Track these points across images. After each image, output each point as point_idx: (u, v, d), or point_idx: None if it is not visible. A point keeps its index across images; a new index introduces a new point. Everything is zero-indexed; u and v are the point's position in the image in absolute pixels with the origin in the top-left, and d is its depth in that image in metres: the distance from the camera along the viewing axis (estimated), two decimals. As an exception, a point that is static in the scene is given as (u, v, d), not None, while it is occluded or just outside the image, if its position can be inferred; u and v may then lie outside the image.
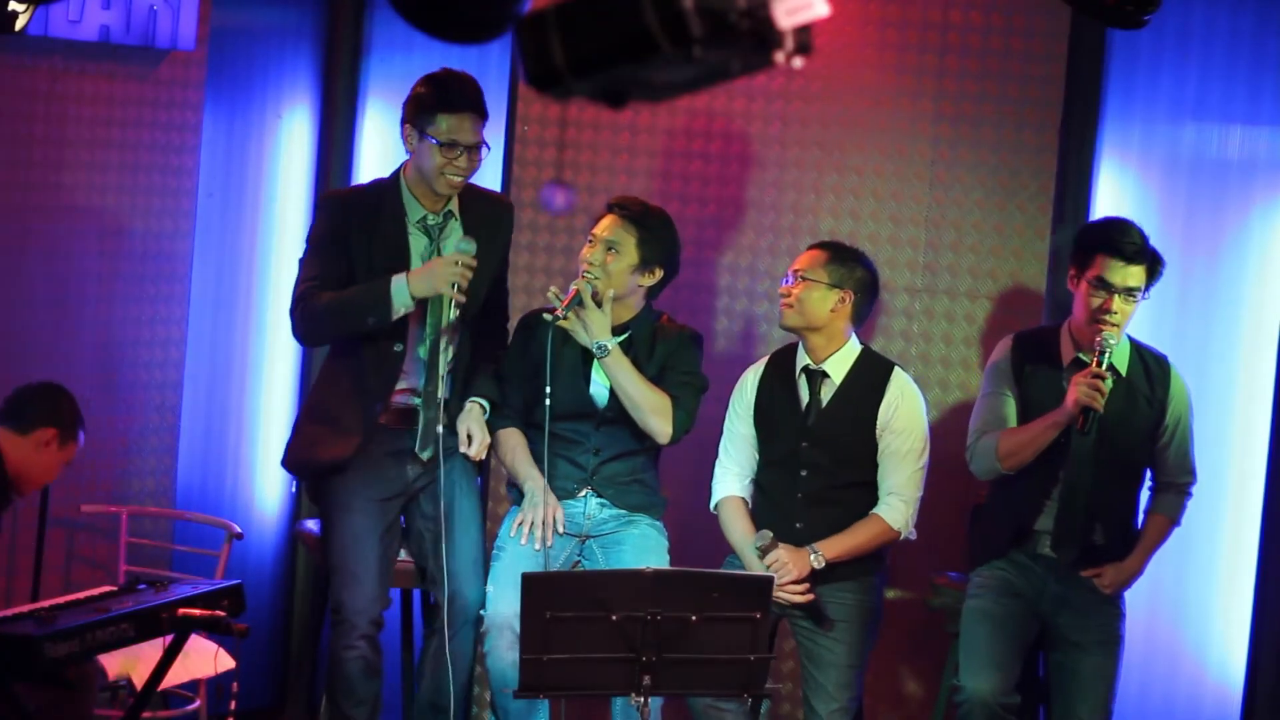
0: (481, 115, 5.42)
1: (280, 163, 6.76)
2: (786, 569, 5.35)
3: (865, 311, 5.57)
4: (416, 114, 5.39)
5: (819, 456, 5.47)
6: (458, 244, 5.36)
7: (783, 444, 5.52)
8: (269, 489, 6.81)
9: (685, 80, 2.57)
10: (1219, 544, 5.95)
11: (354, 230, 5.41)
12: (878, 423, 5.47)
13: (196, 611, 4.70)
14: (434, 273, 5.30)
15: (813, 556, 5.38)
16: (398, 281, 5.29)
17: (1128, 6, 4.72)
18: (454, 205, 5.51)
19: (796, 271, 5.52)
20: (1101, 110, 6.05)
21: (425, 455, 5.49)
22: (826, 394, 5.51)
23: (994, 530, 5.55)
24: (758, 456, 5.60)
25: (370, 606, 5.46)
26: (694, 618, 4.58)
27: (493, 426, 5.58)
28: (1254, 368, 5.92)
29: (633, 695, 4.60)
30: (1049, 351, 5.48)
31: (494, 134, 6.59)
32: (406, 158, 5.47)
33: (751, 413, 5.60)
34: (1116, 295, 5.31)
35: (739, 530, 5.53)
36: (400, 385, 5.47)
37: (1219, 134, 6.00)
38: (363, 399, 5.45)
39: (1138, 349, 5.48)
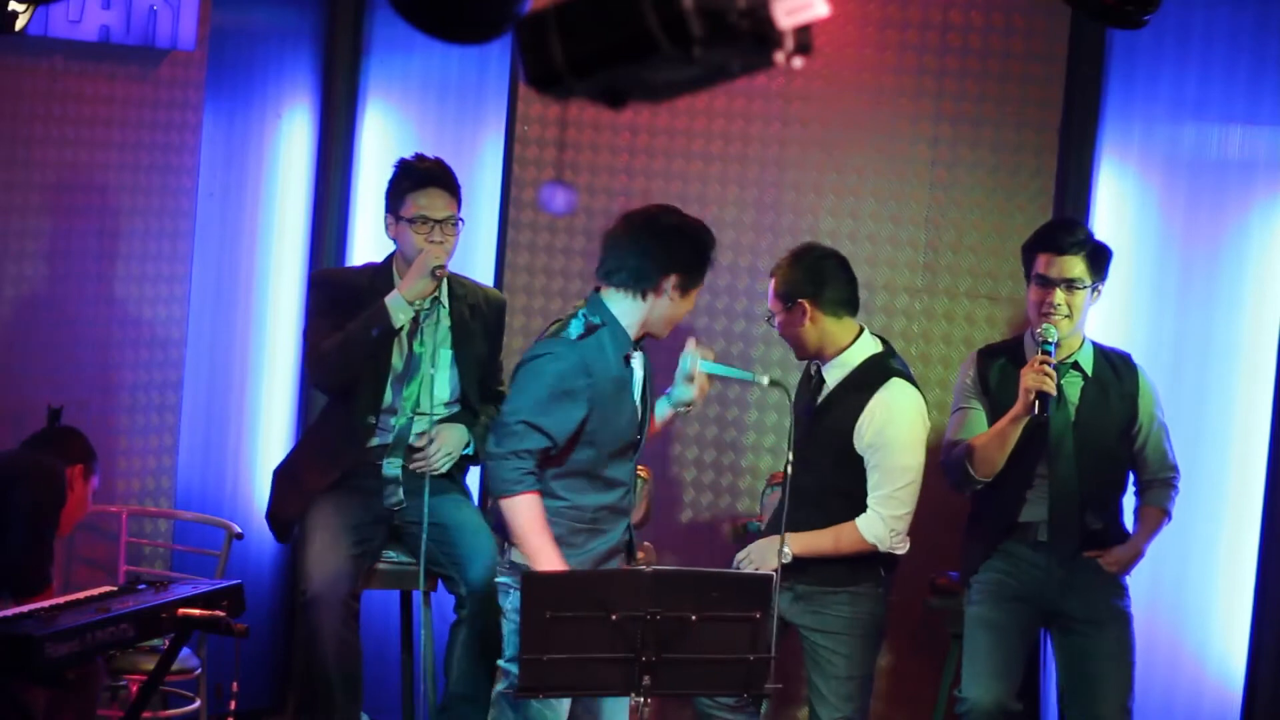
0: (448, 190, 5.57)
1: (280, 163, 6.75)
2: (751, 566, 5.33)
3: (838, 297, 5.32)
4: (391, 200, 5.61)
5: (809, 456, 5.33)
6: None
7: (796, 437, 5.44)
8: (269, 489, 6.81)
9: (685, 80, 2.57)
10: (1219, 544, 5.95)
11: (347, 307, 5.56)
12: (854, 434, 5.30)
13: (196, 611, 4.70)
14: (413, 270, 5.47)
15: (784, 550, 5.21)
16: (389, 296, 5.48)
17: (1128, 6, 4.72)
18: (443, 293, 5.63)
19: (770, 314, 5.40)
20: (1101, 110, 6.05)
21: (390, 501, 5.63)
22: (821, 397, 5.41)
23: (984, 528, 5.56)
24: None
25: (338, 581, 5.49)
26: (694, 617, 4.57)
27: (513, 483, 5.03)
28: (1254, 367, 5.92)
29: (633, 695, 4.60)
30: (1014, 358, 5.48)
31: (494, 134, 6.61)
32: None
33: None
34: (1057, 288, 5.36)
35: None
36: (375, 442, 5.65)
37: (1219, 134, 5.99)
38: (331, 461, 5.66)
39: (1101, 351, 5.53)
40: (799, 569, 5.29)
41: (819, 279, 5.30)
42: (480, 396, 5.73)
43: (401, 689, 5.91)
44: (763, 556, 5.33)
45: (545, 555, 4.89)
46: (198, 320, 6.53)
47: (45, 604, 4.66)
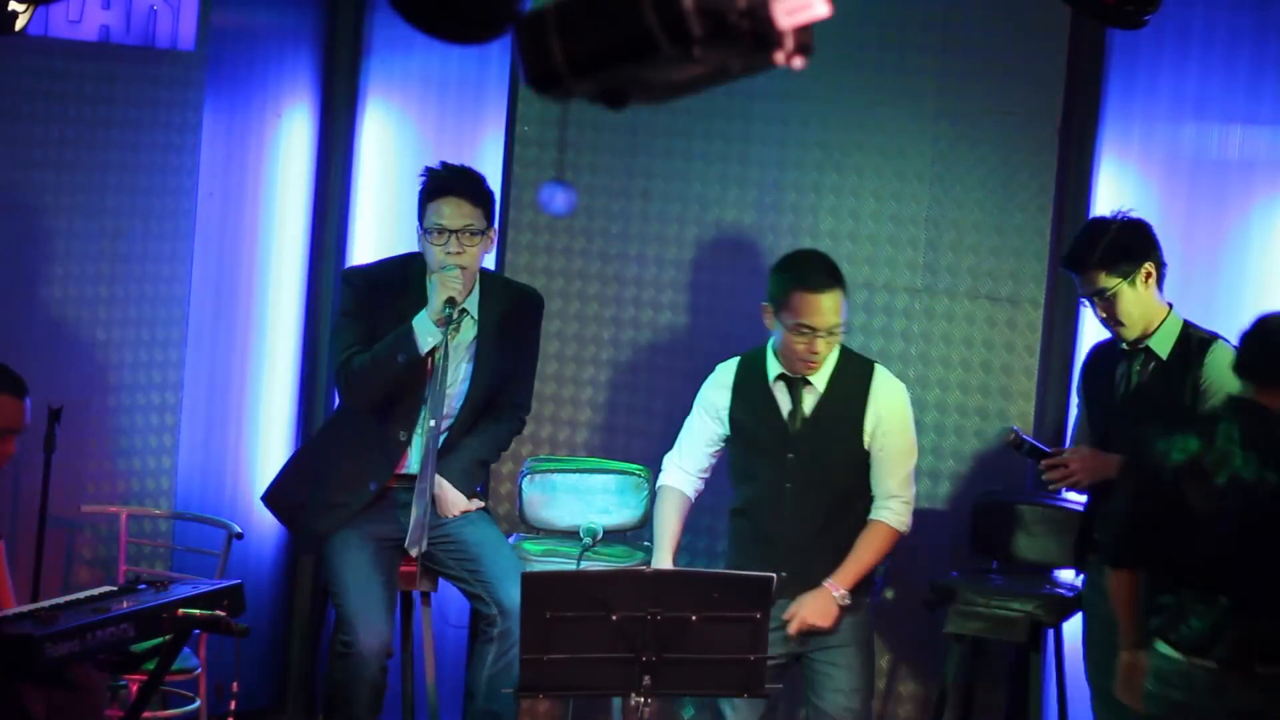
0: (468, 198, 5.46)
1: (280, 163, 6.75)
2: (809, 625, 5.20)
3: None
4: (418, 210, 5.53)
5: (805, 469, 5.25)
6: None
7: (766, 457, 5.31)
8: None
9: (685, 80, 2.57)
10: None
11: (380, 306, 5.51)
12: (865, 428, 5.24)
13: (196, 611, 4.69)
14: (436, 294, 5.38)
15: (836, 594, 5.18)
16: (417, 318, 5.40)
17: (1128, 6, 4.72)
18: (472, 303, 5.55)
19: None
20: (1101, 110, 6.06)
21: (413, 551, 5.51)
22: (809, 402, 5.28)
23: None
24: (712, 461, 5.43)
25: (381, 631, 5.45)
26: (694, 618, 4.57)
27: None
28: (1254, 367, 5.91)
29: (632, 695, 4.60)
30: (1107, 357, 5.31)
31: (494, 134, 6.61)
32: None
33: (727, 417, 5.40)
34: (1091, 302, 5.20)
35: (671, 526, 5.38)
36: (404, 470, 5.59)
37: (1219, 133, 6.00)
38: (360, 481, 5.57)
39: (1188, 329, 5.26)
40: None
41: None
42: (487, 407, 5.61)
43: (402, 690, 5.91)
44: (819, 611, 5.18)
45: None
46: (198, 320, 6.53)
47: (45, 604, 4.66)
